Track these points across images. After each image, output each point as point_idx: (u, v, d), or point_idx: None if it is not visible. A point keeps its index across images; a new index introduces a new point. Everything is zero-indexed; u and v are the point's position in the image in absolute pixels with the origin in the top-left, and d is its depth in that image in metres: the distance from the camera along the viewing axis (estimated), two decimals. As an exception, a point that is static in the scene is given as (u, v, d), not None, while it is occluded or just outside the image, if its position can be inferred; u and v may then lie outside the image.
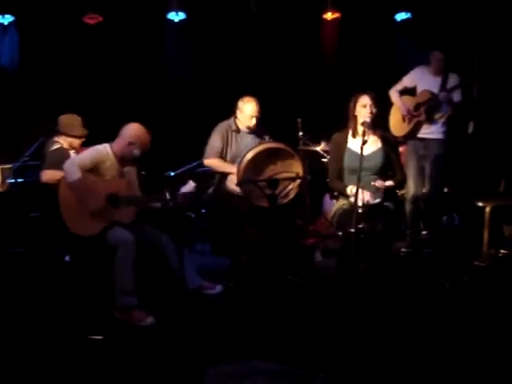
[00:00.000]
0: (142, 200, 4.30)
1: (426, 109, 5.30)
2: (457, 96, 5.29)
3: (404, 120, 5.44)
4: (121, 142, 4.19)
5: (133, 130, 4.19)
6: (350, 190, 4.12)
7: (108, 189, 4.08)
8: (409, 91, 5.53)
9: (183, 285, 4.23)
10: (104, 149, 4.18)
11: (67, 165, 4.06)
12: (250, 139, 4.98)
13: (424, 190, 5.47)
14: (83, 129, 4.83)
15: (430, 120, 5.33)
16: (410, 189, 5.39)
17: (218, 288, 4.47)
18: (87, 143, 4.74)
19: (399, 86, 5.53)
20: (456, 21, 6.24)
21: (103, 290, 4.09)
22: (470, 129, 5.70)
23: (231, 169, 4.85)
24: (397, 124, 5.46)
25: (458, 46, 5.94)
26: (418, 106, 5.36)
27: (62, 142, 4.77)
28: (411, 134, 5.41)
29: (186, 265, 4.27)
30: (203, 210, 5.70)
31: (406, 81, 5.52)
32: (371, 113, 4.17)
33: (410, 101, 5.45)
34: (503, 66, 6.02)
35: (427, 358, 3.32)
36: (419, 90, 5.42)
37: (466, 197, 5.77)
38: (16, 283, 4.67)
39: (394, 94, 5.53)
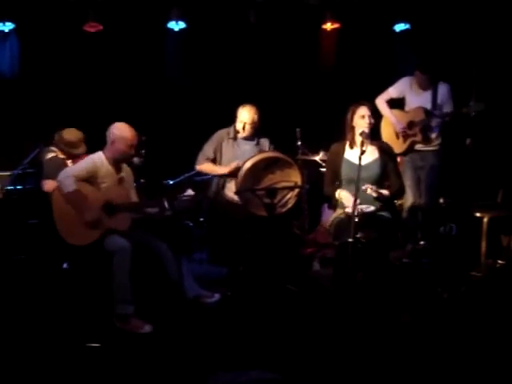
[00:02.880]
0: (139, 206, 4.31)
1: (421, 129, 5.28)
2: (448, 107, 5.29)
3: (398, 137, 5.39)
4: (107, 144, 4.23)
5: (113, 129, 4.23)
6: (338, 194, 4.27)
7: (104, 198, 4.08)
8: (396, 102, 5.50)
9: (181, 293, 4.25)
10: (98, 157, 4.21)
11: (62, 176, 4.06)
12: (248, 147, 5.00)
13: (421, 201, 5.48)
14: (84, 146, 4.86)
15: (427, 140, 5.32)
16: (408, 199, 5.39)
17: (216, 297, 4.48)
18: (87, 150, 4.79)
19: (385, 96, 5.49)
20: (455, 32, 6.27)
21: (101, 298, 4.09)
22: (468, 141, 5.71)
23: (222, 170, 4.89)
24: (391, 140, 5.24)
25: (457, 57, 5.97)
26: (411, 124, 5.33)
27: (57, 150, 4.79)
28: (407, 152, 5.40)
29: (184, 273, 4.29)
30: (201, 219, 5.70)
31: (393, 92, 5.49)
32: (370, 123, 4.22)
33: (402, 117, 5.40)
34: (501, 77, 6.05)
35: (425, 368, 3.31)
36: (408, 102, 5.42)
37: (463, 207, 5.78)
38: (14, 290, 4.65)
39: (382, 106, 5.47)
